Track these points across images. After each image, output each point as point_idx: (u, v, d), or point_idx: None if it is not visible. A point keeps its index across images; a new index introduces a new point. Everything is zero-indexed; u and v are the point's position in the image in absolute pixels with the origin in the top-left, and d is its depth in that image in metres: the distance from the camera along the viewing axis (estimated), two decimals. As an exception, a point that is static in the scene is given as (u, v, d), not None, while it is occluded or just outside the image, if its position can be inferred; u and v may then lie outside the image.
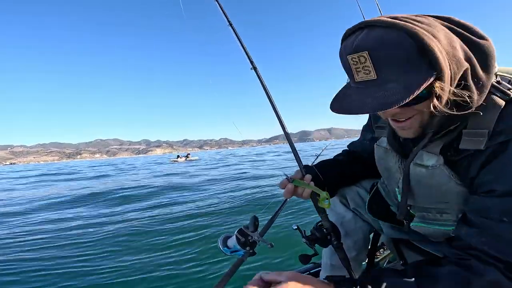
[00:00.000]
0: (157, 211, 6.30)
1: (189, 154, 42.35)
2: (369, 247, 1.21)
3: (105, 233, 4.57)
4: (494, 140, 0.60)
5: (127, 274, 3.06)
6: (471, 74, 0.58)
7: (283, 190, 0.87)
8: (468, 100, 0.57)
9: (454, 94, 0.57)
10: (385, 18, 0.56)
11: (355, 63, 0.57)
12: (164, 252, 3.64)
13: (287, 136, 0.98)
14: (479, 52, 0.59)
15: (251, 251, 1.07)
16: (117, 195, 8.33)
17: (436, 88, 0.55)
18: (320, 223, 0.85)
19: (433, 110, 0.58)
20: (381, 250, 1.70)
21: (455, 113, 0.58)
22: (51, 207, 7.32)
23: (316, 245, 0.88)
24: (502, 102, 0.61)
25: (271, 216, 1.12)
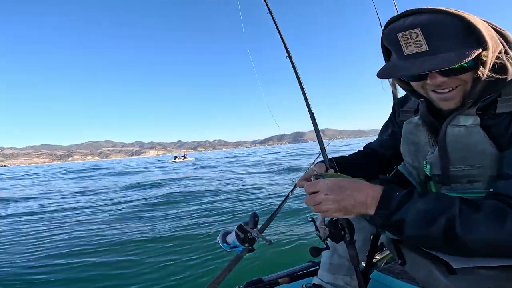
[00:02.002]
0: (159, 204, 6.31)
1: (186, 155, 42.81)
2: (369, 248, 1.21)
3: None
4: None
5: (120, 267, 3.07)
6: (504, 52, 0.68)
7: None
8: (507, 66, 0.67)
9: (495, 63, 0.67)
10: (431, 7, 0.67)
11: (406, 38, 0.67)
12: (160, 247, 3.65)
13: (315, 127, 1.00)
14: (505, 38, 0.70)
15: (250, 247, 1.07)
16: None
17: (482, 57, 0.65)
18: (335, 218, 0.84)
19: (480, 76, 0.67)
20: (379, 251, 1.70)
21: (498, 76, 0.67)
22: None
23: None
24: None
25: (271, 213, 1.13)
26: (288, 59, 1.06)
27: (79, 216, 5.87)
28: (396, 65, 0.71)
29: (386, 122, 1.13)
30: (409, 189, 0.69)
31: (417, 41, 0.66)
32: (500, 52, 0.68)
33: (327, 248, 0.87)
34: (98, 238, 4.15)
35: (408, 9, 0.69)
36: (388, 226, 0.67)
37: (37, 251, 3.77)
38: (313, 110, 1.01)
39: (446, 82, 0.70)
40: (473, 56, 0.62)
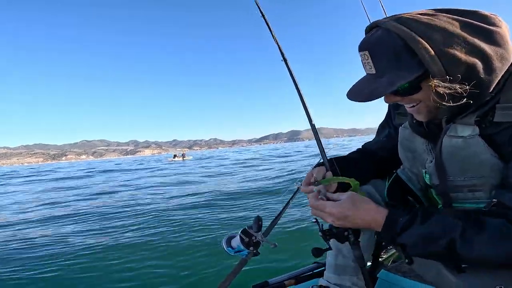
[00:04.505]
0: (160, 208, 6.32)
1: (184, 154, 42.90)
2: (374, 247, 1.20)
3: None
4: None
5: (123, 276, 3.06)
6: (484, 65, 0.62)
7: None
8: (463, 92, 0.62)
9: (450, 88, 0.62)
10: (387, 20, 0.65)
11: (363, 59, 0.69)
12: (164, 253, 3.64)
13: (314, 130, 0.98)
14: (493, 40, 0.62)
15: (254, 251, 1.07)
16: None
17: (431, 84, 0.62)
18: None
19: (433, 102, 0.66)
20: (385, 250, 1.69)
21: (453, 104, 0.63)
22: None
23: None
24: None
25: (274, 216, 1.12)
26: (283, 62, 1.06)
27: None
28: (357, 85, 0.73)
29: (382, 122, 1.10)
30: (413, 212, 0.70)
31: (368, 62, 0.68)
32: (472, 70, 0.61)
33: (330, 248, 0.87)
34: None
35: (371, 23, 0.70)
36: (393, 246, 0.73)
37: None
38: (310, 113, 0.99)
39: (399, 101, 0.72)
40: (401, 84, 0.63)
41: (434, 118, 0.75)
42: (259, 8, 1.11)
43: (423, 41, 0.60)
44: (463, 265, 0.70)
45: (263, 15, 1.11)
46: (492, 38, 0.62)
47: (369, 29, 0.71)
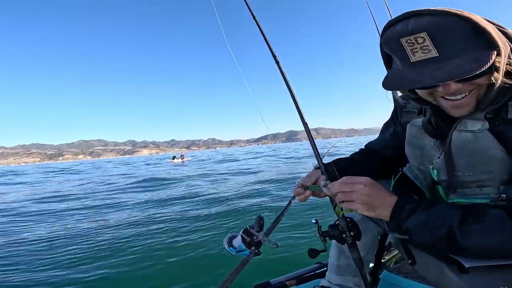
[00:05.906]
0: (161, 207, 6.33)
1: (183, 155, 42.88)
2: (377, 248, 1.19)
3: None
4: None
5: (127, 274, 3.07)
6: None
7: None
8: None
9: (509, 65, 0.63)
10: (434, 8, 0.62)
11: (411, 44, 0.62)
12: (165, 252, 3.64)
13: (308, 133, 0.97)
14: (509, 38, 0.66)
15: (256, 251, 1.07)
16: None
17: (496, 63, 0.61)
18: (337, 221, 0.85)
19: (494, 82, 0.64)
20: (387, 251, 1.68)
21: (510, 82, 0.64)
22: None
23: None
24: None
25: (276, 216, 1.12)
26: (276, 64, 1.05)
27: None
28: (404, 75, 0.66)
29: (387, 121, 1.10)
30: (418, 201, 0.72)
31: (424, 46, 0.61)
32: (509, 56, 0.64)
33: (325, 250, 0.89)
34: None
35: (407, 11, 0.64)
36: (400, 233, 0.74)
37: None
38: (305, 117, 0.97)
39: (459, 89, 0.66)
40: (491, 62, 0.58)
41: (474, 112, 0.72)
42: (250, 10, 1.11)
43: (487, 22, 0.61)
44: (467, 266, 0.69)
45: (254, 17, 1.10)
46: (509, 36, 0.66)
47: (397, 20, 0.66)
